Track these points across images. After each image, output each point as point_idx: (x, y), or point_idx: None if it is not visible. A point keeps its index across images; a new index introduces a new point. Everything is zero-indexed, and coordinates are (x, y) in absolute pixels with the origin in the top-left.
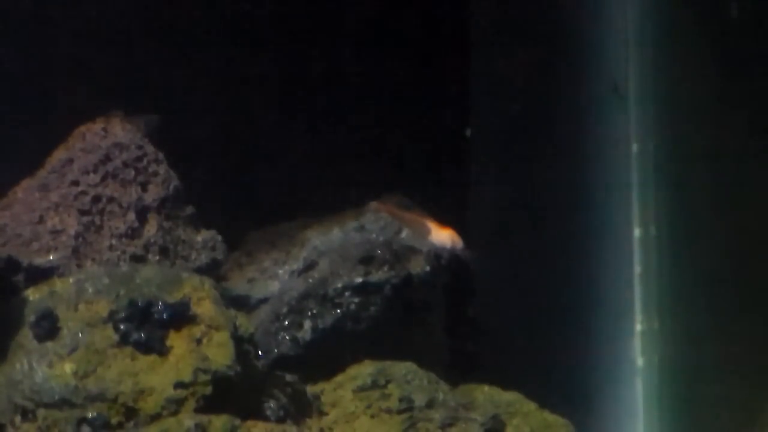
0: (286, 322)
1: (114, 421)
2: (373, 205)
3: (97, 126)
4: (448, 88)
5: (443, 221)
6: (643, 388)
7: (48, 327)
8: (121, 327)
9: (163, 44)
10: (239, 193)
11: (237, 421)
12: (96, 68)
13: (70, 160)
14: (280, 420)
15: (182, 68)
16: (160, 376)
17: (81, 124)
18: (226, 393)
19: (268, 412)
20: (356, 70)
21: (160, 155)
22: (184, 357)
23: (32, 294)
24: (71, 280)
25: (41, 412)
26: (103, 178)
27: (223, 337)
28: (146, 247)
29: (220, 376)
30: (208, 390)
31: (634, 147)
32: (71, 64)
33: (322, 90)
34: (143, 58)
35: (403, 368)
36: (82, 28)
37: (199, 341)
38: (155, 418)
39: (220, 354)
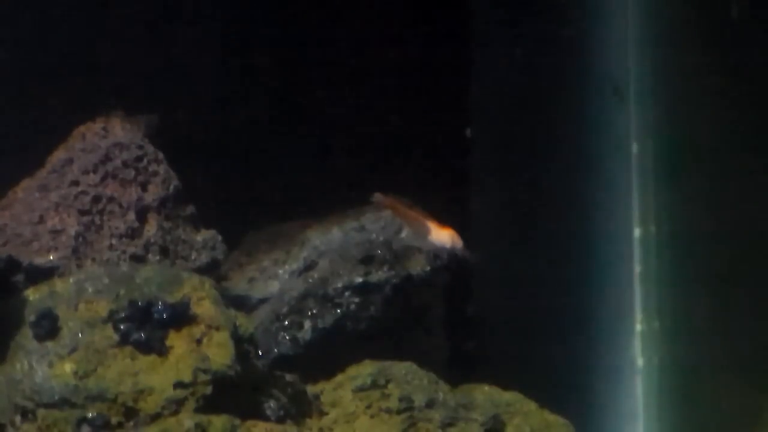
0: (286, 322)
1: (114, 421)
2: (378, 196)
3: (97, 126)
4: (448, 88)
5: (443, 221)
6: (643, 388)
7: (48, 327)
8: (121, 327)
9: (162, 44)
10: (239, 193)
11: (237, 421)
12: (96, 68)
13: (70, 160)
14: (280, 420)
15: (182, 68)
16: (160, 376)
17: (81, 124)
18: (226, 393)
19: (268, 412)
20: (356, 69)
21: (160, 155)
22: (184, 357)
23: (32, 294)
24: (71, 280)
25: (41, 412)
26: (103, 178)
27: (223, 337)
28: (146, 247)
29: (220, 376)
30: (208, 390)
31: (634, 147)
32: (71, 64)
33: (322, 89)
34: (143, 58)
35: (403, 368)
36: (83, 28)
37: (199, 341)
38: (155, 418)
39: (220, 354)
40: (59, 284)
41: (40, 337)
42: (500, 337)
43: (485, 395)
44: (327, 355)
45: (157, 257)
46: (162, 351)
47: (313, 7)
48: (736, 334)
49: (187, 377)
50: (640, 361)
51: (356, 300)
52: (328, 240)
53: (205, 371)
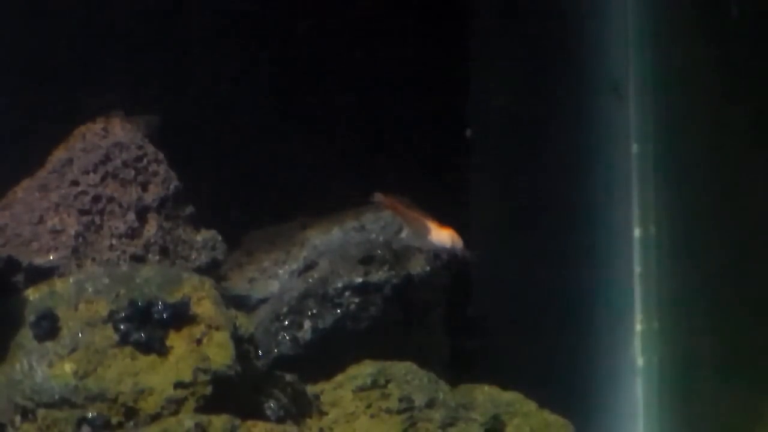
0: (286, 322)
1: (114, 421)
2: (378, 196)
3: (97, 126)
4: (448, 88)
5: (443, 221)
6: (643, 388)
7: (48, 327)
8: (121, 327)
9: (163, 44)
10: (239, 193)
11: (237, 421)
12: (97, 67)
13: (70, 160)
14: (280, 420)
15: (182, 68)
16: (160, 376)
17: (81, 124)
18: (226, 393)
19: (268, 412)
20: (355, 69)
21: (160, 155)
22: (184, 357)
23: (32, 294)
24: (71, 280)
25: (41, 412)
26: (103, 178)
27: (223, 337)
28: (146, 247)
29: (220, 376)
30: (208, 390)
31: (634, 147)
32: (72, 63)
33: (322, 89)
34: (144, 58)
35: (403, 368)
36: (83, 27)
37: (199, 341)
38: (155, 418)
39: (220, 354)
40: (59, 284)
41: (40, 337)
42: (500, 336)
43: (485, 395)
44: (327, 355)
45: (157, 257)
46: (162, 351)
47: (312, 5)
48: (735, 333)
49: (187, 377)
50: (640, 361)
51: (356, 300)
52: (328, 240)
53: (205, 371)
